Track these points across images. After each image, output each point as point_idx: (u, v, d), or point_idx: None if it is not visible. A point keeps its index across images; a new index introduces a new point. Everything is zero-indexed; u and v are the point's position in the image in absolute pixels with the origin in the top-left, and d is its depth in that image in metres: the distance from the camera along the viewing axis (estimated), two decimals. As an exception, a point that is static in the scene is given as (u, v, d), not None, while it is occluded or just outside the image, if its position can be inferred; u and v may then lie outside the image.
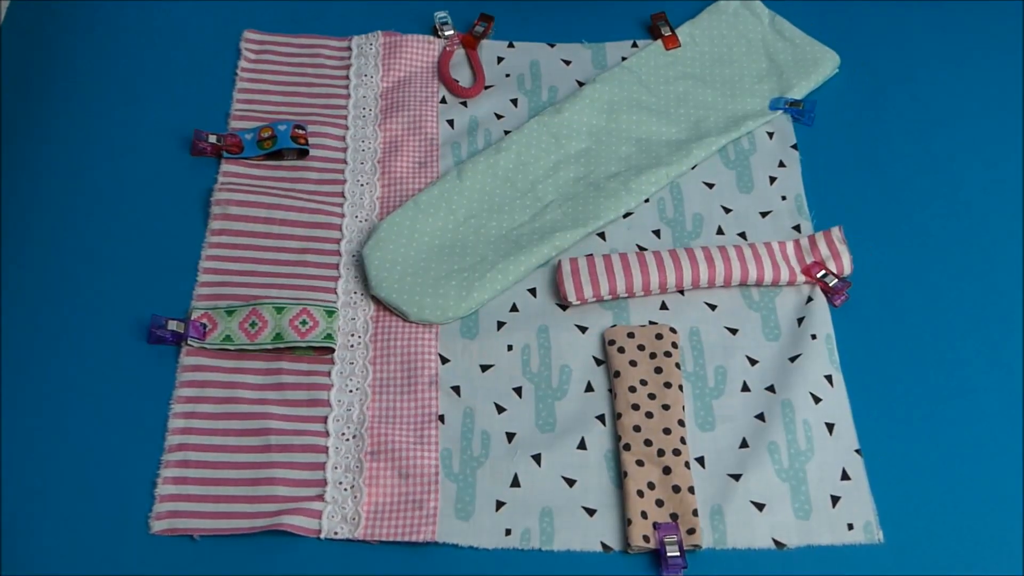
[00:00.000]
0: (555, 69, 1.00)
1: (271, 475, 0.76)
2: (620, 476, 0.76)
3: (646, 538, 0.73)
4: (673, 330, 0.82)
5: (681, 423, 0.78)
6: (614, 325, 0.83)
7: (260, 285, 0.85)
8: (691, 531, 0.73)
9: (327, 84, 0.98)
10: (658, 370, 0.80)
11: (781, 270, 0.85)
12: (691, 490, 0.75)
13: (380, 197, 0.91)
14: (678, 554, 0.71)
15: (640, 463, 0.76)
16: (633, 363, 0.80)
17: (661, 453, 0.76)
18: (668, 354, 0.81)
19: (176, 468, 0.76)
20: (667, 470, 0.76)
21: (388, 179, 0.92)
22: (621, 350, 0.81)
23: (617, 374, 0.80)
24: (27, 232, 0.87)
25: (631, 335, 0.82)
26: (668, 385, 0.79)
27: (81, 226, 0.88)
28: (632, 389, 0.79)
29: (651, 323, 0.84)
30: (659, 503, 0.75)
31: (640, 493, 0.75)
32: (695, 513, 0.74)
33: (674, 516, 0.74)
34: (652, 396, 0.79)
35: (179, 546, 0.74)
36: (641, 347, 0.81)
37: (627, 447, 0.77)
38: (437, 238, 0.88)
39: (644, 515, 0.74)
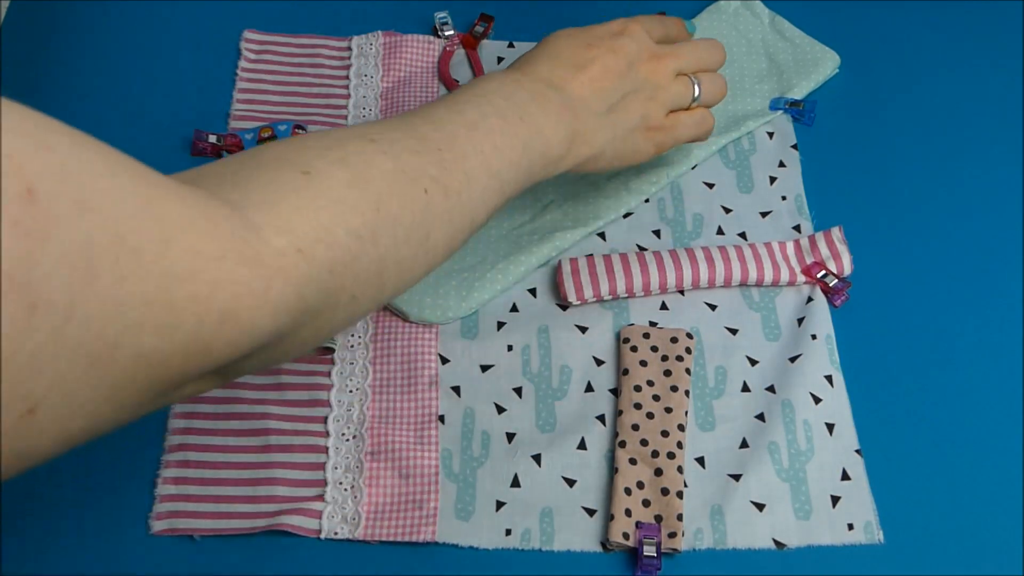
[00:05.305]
0: (555, 69, 0.99)
1: (271, 475, 0.76)
2: (612, 472, 0.76)
3: (626, 535, 0.73)
4: (690, 335, 0.82)
5: (681, 428, 0.78)
6: (631, 324, 0.83)
7: (260, 285, 0.85)
8: (672, 535, 0.73)
9: (327, 84, 0.98)
10: (667, 373, 0.80)
11: (781, 270, 0.85)
12: (679, 495, 0.74)
13: (380, 197, 0.91)
14: (654, 555, 0.71)
15: (633, 461, 0.76)
16: (643, 363, 0.80)
17: (655, 454, 0.76)
18: (680, 358, 0.80)
19: (176, 468, 0.76)
20: (659, 472, 0.75)
21: (388, 179, 0.92)
22: (634, 349, 0.81)
23: (625, 372, 0.80)
24: (27, 232, 0.87)
25: (647, 335, 0.82)
26: (675, 389, 0.79)
27: (81, 226, 0.88)
28: (637, 388, 0.79)
29: (651, 323, 0.84)
30: (646, 503, 0.74)
31: (628, 491, 0.75)
32: (680, 518, 0.73)
33: (659, 518, 0.74)
34: (656, 398, 0.79)
35: (179, 546, 0.74)
36: (655, 348, 0.81)
37: (622, 444, 0.77)
38: (437, 238, 0.88)
39: (628, 512, 0.74)
